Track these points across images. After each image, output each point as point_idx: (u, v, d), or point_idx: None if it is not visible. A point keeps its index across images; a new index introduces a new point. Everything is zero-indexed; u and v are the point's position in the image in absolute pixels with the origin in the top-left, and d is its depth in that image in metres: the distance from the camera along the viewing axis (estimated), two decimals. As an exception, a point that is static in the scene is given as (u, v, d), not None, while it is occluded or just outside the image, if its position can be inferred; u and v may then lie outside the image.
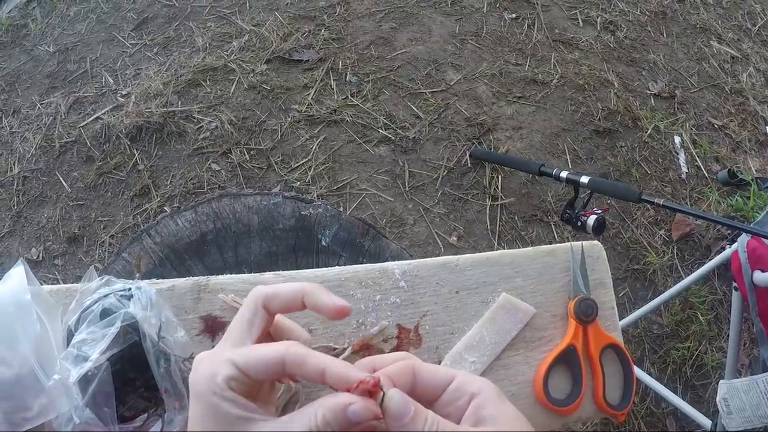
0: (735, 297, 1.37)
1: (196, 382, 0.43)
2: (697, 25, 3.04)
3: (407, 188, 2.25)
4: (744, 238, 1.28)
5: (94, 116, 2.44)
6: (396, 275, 0.73)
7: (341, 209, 1.85)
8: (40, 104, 2.53)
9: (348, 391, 0.41)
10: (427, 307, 0.73)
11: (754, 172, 2.46)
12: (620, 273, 2.15)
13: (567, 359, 0.75)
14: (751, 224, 1.39)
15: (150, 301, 0.62)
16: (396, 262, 0.74)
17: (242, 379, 0.42)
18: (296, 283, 0.48)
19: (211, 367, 0.43)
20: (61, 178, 2.30)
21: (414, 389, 0.45)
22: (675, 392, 1.81)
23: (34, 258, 2.13)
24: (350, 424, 0.40)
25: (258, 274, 0.71)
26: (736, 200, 2.32)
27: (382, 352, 0.70)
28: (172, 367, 0.60)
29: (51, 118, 2.47)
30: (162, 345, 0.61)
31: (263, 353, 0.43)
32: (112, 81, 2.57)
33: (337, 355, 0.68)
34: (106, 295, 0.62)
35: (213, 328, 0.68)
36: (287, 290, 0.48)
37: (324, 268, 0.72)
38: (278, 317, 0.54)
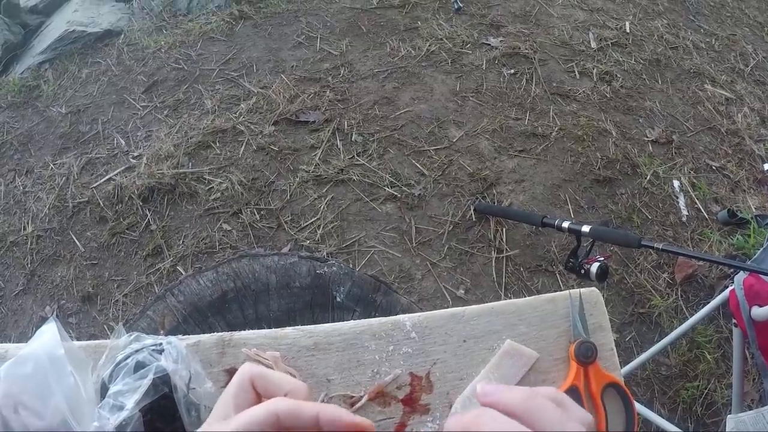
0: (735, 333, 1.40)
1: None
2: (691, 70, 3.13)
3: (414, 244, 2.29)
4: (741, 276, 1.32)
5: (107, 177, 2.51)
6: (407, 327, 0.78)
7: (352, 266, 1.89)
8: (53, 164, 2.61)
9: None
10: (437, 355, 0.77)
11: (754, 210, 2.49)
12: (626, 317, 2.17)
13: (571, 400, 0.78)
14: (749, 261, 1.43)
15: (180, 355, 0.66)
16: (407, 315, 0.79)
17: None
18: (316, 405, 0.44)
19: None
20: (74, 238, 2.36)
21: None
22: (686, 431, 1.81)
23: (48, 316, 2.15)
24: None
25: (279, 329, 0.75)
26: (737, 239, 2.35)
27: (396, 399, 0.74)
28: (201, 416, 0.65)
29: (64, 178, 2.54)
30: (191, 396, 0.65)
31: (251, 414, 0.42)
32: (123, 142, 2.65)
33: (353, 403, 0.72)
34: (138, 350, 0.66)
35: (237, 380, 0.72)
36: (306, 409, 0.43)
37: (340, 323, 0.77)
38: (268, 371, 0.51)
